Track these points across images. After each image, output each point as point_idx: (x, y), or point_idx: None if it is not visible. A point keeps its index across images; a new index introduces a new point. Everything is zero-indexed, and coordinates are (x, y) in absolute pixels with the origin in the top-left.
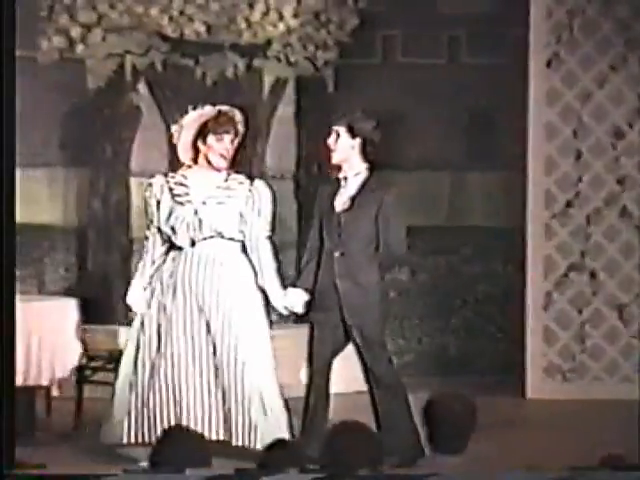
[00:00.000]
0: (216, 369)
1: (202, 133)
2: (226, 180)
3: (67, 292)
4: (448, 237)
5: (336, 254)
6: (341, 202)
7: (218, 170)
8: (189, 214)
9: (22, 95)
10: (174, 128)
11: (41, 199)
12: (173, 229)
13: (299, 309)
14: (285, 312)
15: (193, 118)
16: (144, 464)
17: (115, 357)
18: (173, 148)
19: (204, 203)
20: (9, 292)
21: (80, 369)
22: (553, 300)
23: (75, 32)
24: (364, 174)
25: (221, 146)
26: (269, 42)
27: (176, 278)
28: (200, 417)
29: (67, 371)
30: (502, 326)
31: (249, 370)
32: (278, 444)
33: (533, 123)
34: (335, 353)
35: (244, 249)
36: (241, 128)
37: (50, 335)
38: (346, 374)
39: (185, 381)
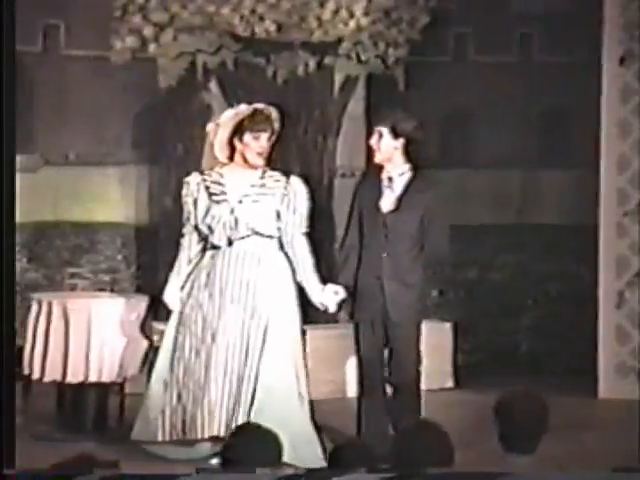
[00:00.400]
0: (253, 367)
1: (238, 131)
2: (262, 177)
3: (139, 290)
4: (519, 235)
5: (384, 254)
6: (388, 203)
7: (255, 168)
8: (225, 213)
9: (95, 95)
10: (210, 126)
11: (113, 197)
12: (210, 228)
13: (332, 307)
14: (321, 308)
15: (229, 116)
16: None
17: None
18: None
19: (240, 202)
20: (9, 292)
21: (151, 366)
22: (625, 299)
23: (148, 32)
24: (408, 174)
25: (258, 144)
26: (340, 40)
27: (214, 277)
28: (232, 415)
29: (140, 368)
30: (574, 325)
31: (284, 367)
32: (347, 443)
33: (606, 121)
34: (382, 351)
35: (282, 246)
36: (277, 126)
37: (122, 332)
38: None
39: (222, 379)
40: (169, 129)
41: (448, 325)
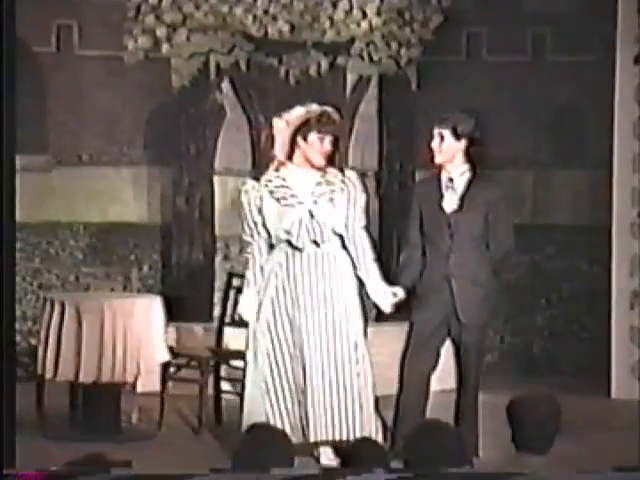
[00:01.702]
0: (336, 369)
1: (303, 130)
2: (323, 175)
3: (152, 290)
4: (533, 235)
5: (451, 255)
6: (451, 203)
7: (317, 168)
8: (305, 216)
9: (108, 95)
10: (277, 121)
11: (126, 198)
12: (289, 232)
13: (388, 308)
14: (379, 306)
15: (299, 114)
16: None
17: (197, 355)
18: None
19: (315, 202)
20: (9, 292)
21: (164, 366)
22: (639, 299)
23: (161, 32)
24: (468, 174)
25: (323, 145)
26: (352, 40)
27: (295, 280)
28: (330, 419)
29: (152, 368)
30: (587, 326)
31: (361, 368)
32: (364, 442)
33: (620, 120)
34: (439, 351)
35: (342, 242)
36: (341, 131)
37: (135, 332)
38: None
39: (315, 382)
40: (182, 129)
41: None
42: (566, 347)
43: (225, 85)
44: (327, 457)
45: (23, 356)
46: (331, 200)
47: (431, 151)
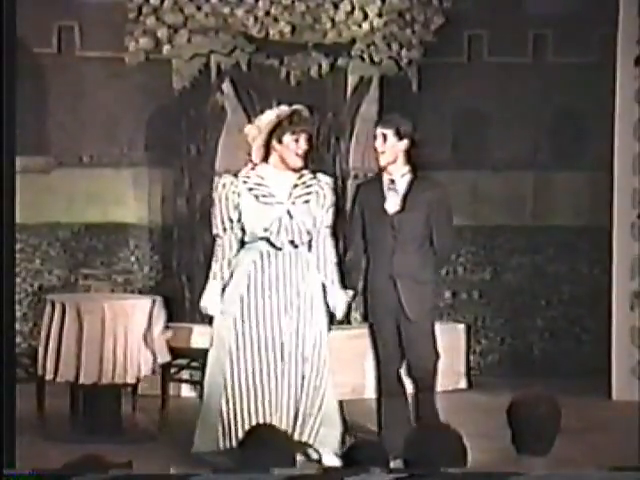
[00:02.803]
0: (297, 370)
1: (277, 133)
2: (300, 177)
3: (152, 291)
4: (533, 237)
5: (395, 255)
6: (393, 204)
7: (293, 169)
8: (284, 215)
9: (109, 96)
10: (249, 128)
11: (127, 199)
12: (268, 231)
13: (340, 313)
14: (331, 310)
15: (269, 119)
16: None
17: (200, 355)
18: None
19: (294, 203)
20: (9, 292)
21: (165, 367)
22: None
23: (162, 33)
24: (409, 175)
25: (298, 145)
26: (353, 41)
27: (267, 280)
28: (292, 417)
29: (153, 369)
30: (587, 327)
31: (325, 368)
32: (361, 443)
33: (620, 122)
34: (398, 350)
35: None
36: (313, 127)
37: (136, 333)
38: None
39: (276, 382)
40: (183, 130)
41: (461, 326)
42: (566, 348)
43: (226, 86)
44: (329, 459)
45: (24, 357)
46: (307, 202)
47: (375, 152)
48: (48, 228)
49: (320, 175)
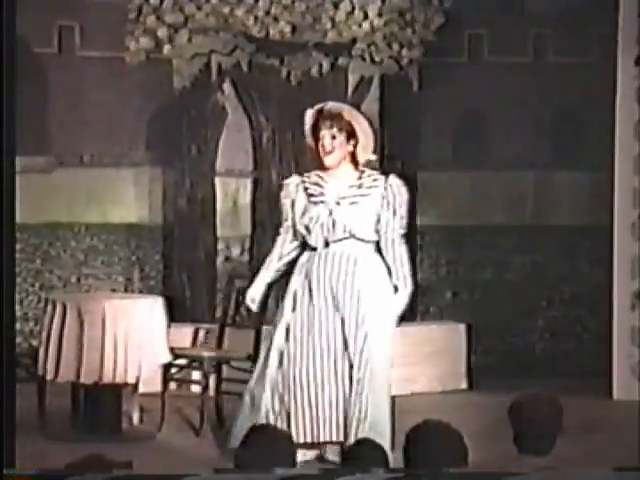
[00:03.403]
0: (350, 367)
1: (314, 133)
2: (359, 178)
3: (153, 290)
4: (533, 236)
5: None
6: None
7: (328, 168)
8: (324, 214)
9: (110, 96)
10: (307, 137)
11: (128, 199)
12: (307, 229)
13: (397, 313)
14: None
15: (307, 119)
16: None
17: (200, 355)
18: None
19: (338, 203)
20: (9, 292)
21: (166, 367)
22: None
23: (162, 33)
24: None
25: (321, 144)
26: (354, 41)
27: (310, 278)
28: (342, 421)
29: (154, 369)
30: (588, 327)
31: (375, 370)
32: (360, 442)
33: (621, 121)
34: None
35: (378, 249)
36: (352, 125)
37: (136, 333)
38: None
39: (321, 380)
40: (183, 130)
41: (462, 326)
42: (567, 348)
43: (226, 86)
44: (333, 453)
45: (25, 357)
46: (354, 204)
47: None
48: (49, 228)
49: (392, 179)
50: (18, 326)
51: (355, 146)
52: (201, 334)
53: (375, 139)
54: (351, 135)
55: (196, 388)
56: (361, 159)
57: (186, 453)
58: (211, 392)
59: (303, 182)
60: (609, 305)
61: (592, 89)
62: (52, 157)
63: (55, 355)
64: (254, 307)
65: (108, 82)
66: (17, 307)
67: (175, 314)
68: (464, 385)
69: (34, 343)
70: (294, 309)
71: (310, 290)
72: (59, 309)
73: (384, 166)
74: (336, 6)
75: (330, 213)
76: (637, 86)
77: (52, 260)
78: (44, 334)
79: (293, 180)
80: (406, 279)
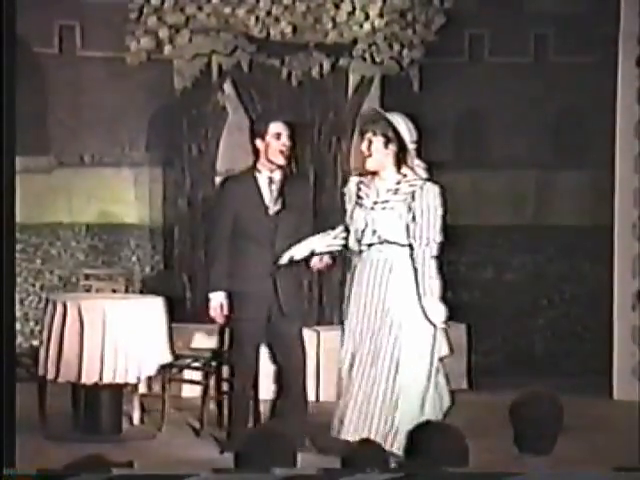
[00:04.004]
0: (382, 371)
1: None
2: (398, 183)
3: (154, 291)
4: (534, 236)
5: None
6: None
7: (370, 172)
8: (360, 218)
9: (111, 96)
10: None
11: (128, 199)
12: (347, 230)
13: (438, 324)
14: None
15: (357, 122)
16: None
17: (200, 355)
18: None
19: (372, 208)
20: (9, 292)
21: (166, 367)
22: None
23: (163, 33)
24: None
25: (361, 148)
26: (355, 41)
27: (353, 281)
28: (389, 425)
29: (154, 369)
30: (589, 326)
31: (404, 374)
32: (360, 444)
33: (622, 121)
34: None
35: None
36: (385, 129)
37: (137, 333)
38: None
39: (362, 382)
40: (184, 130)
41: (463, 326)
42: (568, 348)
43: (227, 86)
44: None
45: (25, 357)
46: (386, 209)
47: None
48: (49, 228)
49: (427, 185)
50: (18, 326)
51: (396, 151)
52: (201, 334)
53: (419, 144)
54: (390, 140)
55: (196, 388)
56: (404, 164)
57: (186, 453)
58: (211, 392)
59: (359, 183)
60: (610, 305)
61: (593, 89)
62: (52, 157)
63: (56, 355)
64: (284, 260)
65: (109, 82)
66: (17, 307)
67: (176, 314)
68: (464, 385)
69: (34, 343)
70: (347, 310)
71: (353, 293)
72: (59, 309)
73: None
74: (337, 6)
75: (365, 217)
76: (638, 86)
77: (52, 260)
78: (45, 334)
79: (353, 180)
80: (432, 290)
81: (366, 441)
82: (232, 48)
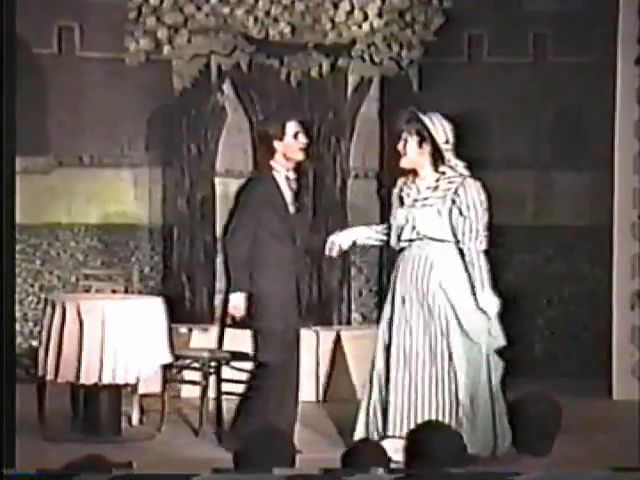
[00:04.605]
0: (431, 367)
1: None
2: (437, 180)
3: (153, 291)
4: (533, 236)
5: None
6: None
7: (407, 171)
8: (401, 215)
9: (110, 96)
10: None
11: (127, 199)
12: (390, 227)
13: (492, 315)
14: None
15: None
16: None
17: (198, 356)
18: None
19: (412, 205)
20: (9, 292)
21: (166, 368)
22: None
23: (162, 33)
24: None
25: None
26: (354, 42)
27: (395, 278)
28: (453, 417)
29: (153, 369)
30: (588, 326)
31: (458, 370)
32: (361, 444)
33: (621, 121)
34: None
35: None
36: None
37: (136, 334)
38: None
39: (405, 381)
40: (183, 131)
41: None
42: (567, 348)
43: (226, 87)
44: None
45: (24, 357)
46: (426, 206)
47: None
48: (48, 228)
49: (468, 181)
50: (18, 327)
51: (431, 150)
52: (201, 335)
53: (454, 143)
54: (424, 139)
55: (196, 389)
56: (441, 162)
57: (186, 454)
58: (211, 393)
59: (403, 184)
60: (609, 305)
61: (592, 89)
62: (52, 157)
63: (55, 356)
64: (334, 253)
65: (108, 83)
66: (17, 308)
67: (175, 315)
68: None
69: (34, 344)
70: (388, 308)
71: (395, 290)
72: (59, 310)
73: (384, 167)
74: (336, 7)
75: (406, 214)
76: (637, 86)
77: (52, 261)
78: (44, 335)
79: (399, 181)
80: (483, 282)
81: (365, 440)
82: (231, 48)
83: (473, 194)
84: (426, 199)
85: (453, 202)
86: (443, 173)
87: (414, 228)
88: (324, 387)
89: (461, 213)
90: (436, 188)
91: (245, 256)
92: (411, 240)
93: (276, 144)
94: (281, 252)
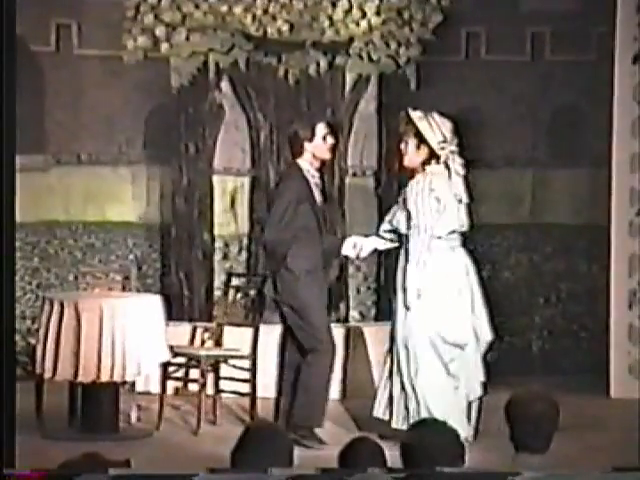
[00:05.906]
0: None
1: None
2: (418, 181)
3: (151, 289)
4: (531, 234)
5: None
6: (320, 195)
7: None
8: (400, 215)
9: (108, 94)
10: None
11: (125, 197)
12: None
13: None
14: None
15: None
16: None
17: (196, 354)
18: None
19: (404, 204)
20: (9, 292)
21: (164, 366)
22: (638, 298)
23: (160, 31)
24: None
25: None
26: (351, 40)
27: (398, 275)
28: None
29: (152, 367)
30: (586, 325)
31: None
32: (358, 442)
33: (619, 119)
34: None
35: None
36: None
37: (134, 331)
38: None
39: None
40: (181, 129)
41: None
42: (565, 346)
43: (224, 84)
44: None
45: (22, 355)
46: (401, 204)
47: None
48: (46, 226)
49: (417, 176)
50: (16, 324)
51: (429, 152)
52: (199, 332)
53: (454, 140)
54: (422, 142)
55: (194, 387)
56: (436, 163)
57: (184, 452)
58: (209, 390)
59: (404, 185)
60: (606, 303)
61: (590, 87)
62: (49, 155)
63: (53, 353)
64: (362, 254)
65: (106, 81)
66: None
67: (173, 312)
68: None
69: (32, 341)
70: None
71: (435, 286)
72: (57, 307)
73: (382, 165)
74: (334, 5)
75: (402, 213)
76: (635, 84)
77: (50, 258)
78: (42, 332)
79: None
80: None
81: (364, 440)
82: (229, 46)
83: (412, 193)
84: (403, 197)
85: (403, 200)
86: (432, 173)
87: (408, 225)
88: None
89: (403, 211)
90: (412, 187)
91: (288, 241)
92: (407, 236)
93: (306, 145)
94: (310, 245)
